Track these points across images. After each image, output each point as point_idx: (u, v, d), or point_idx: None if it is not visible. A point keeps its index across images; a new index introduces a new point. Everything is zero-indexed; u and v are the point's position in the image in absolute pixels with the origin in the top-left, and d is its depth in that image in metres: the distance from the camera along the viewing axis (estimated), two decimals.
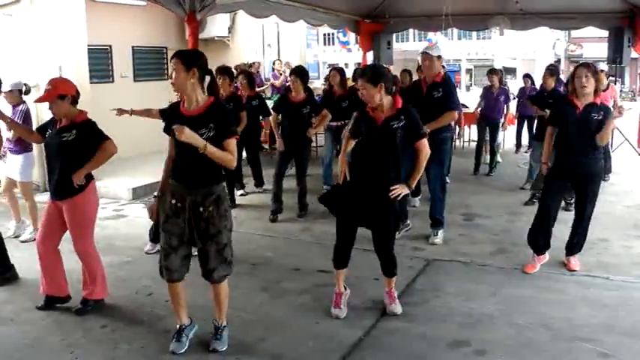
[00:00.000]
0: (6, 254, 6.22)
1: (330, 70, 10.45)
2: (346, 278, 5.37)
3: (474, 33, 30.83)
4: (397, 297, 5.34)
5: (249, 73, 9.90)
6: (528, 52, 36.15)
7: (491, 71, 12.08)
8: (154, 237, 6.72)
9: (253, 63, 12.37)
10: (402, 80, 11.98)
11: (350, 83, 10.66)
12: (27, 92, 7.61)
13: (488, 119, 11.56)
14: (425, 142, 5.02)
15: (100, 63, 12.64)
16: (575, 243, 6.30)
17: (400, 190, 4.90)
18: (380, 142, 4.96)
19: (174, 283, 4.57)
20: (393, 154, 4.95)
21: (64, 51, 10.30)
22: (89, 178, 5.33)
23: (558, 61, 39.40)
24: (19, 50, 10.48)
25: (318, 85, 18.96)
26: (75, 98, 5.27)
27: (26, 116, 7.31)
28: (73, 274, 5.52)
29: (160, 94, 14.21)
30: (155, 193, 4.65)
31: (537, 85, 12.67)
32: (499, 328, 4.93)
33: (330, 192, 5.41)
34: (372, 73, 4.91)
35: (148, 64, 14.51)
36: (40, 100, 5.38)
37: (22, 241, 7.44)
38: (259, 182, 10.16)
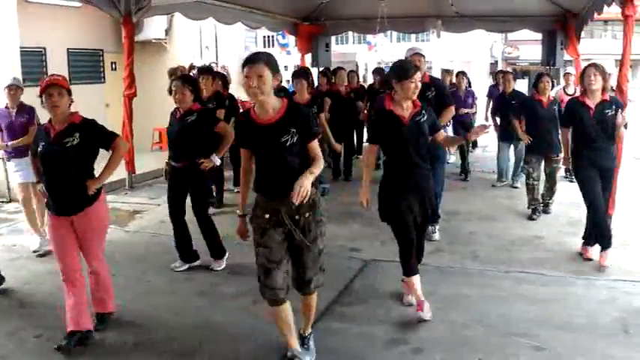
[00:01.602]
0: None
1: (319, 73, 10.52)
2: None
3: (413, 35, 31.06)
4: (336, 298, 5.36)
5: (223, 75, 9.83)
6: (466, 55, 36.66)
7: (462, 73, 12.03)
8: (183, 255, 6.49)
9: (178, 67, 12.26)
10: (350, 82, 12.03)
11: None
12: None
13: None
14: (444, 133, 5.37)
15: (34, 65, 12.38)
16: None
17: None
18: (411, 139, 5.04)
19: (280, 306, 4.18)
20: (425, 147, 5.11)
21: None
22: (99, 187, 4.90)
23: (495, 62, 40.10)
24: None
25: None
26: (71, 102, 4.77)
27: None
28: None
29: (96, 96, 14.11)
30: (238, 212, 4.33)
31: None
32: (436, 326, 4.97)
33: (384, 206, 5.21)
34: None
35: (84, 66, 14.31)
36: (55, 81, 4.62)
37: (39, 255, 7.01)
38: (239, 181, 9.97)
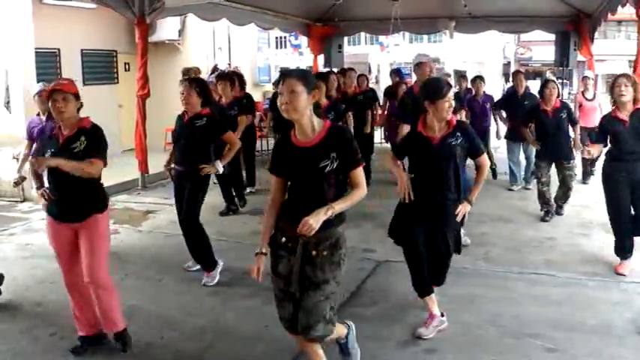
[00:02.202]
0: None
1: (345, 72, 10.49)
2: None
3: (425, 36, 31.06)
4: (348, 299, 5.37)
5: (240, 75, 9.87)
6: (478, 56, 36.56)
7: (479, 78, 11.65)
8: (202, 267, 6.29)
9: (192, 67, 12.28)
10: (360, 84, 12.06)
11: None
12: None
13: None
14: (485, 157, 4.85)
15: (48, 67, 12.46)
16: None
17: (464, 210, 4.71)
18: (439, 162, 4.67)
19: (297, 336, 3.90)
20: (453, 174, 4.69)
21: (10, 54, 10.11)
22: (107, 196, 4.76)
23: (508, 64, 40.00)
24: None
25: (269, 88, 18.95)
26: (81, 106, 4.57)
27: None
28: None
29: (110, 97, 14.18)
30: (256, 250, 3.85)
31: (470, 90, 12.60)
32: (448, 326, 4.96)
33: (394, 224, 5.05)
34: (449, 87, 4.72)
35: (98, 67, 14.39)
36: (61, 86, 4.43)
37: None
38: (251, 182, 10.10)
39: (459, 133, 4.67)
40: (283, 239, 3.74)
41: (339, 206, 3.54)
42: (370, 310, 5.36)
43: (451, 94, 4.66)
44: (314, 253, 3.64)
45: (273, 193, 3.86)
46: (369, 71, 30.22)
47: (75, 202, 4.49)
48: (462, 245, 5.03)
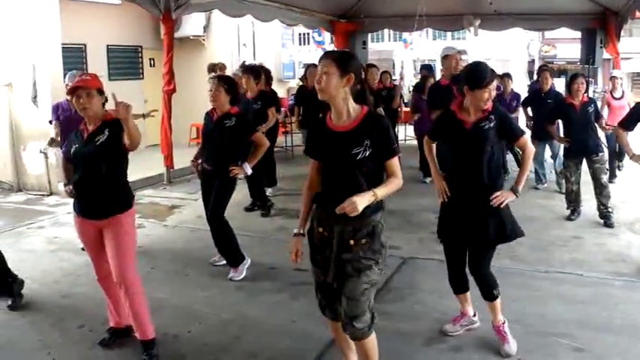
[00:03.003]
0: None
1: (368, 68, 10.45)
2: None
3: (449, 33, 30.90)
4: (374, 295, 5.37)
5: (266, 69, 9.88)
6: (502, 53, 36.33)
7: (506, 75, 11.56)
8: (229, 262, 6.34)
9: (218, 63, 12.31)
10: (383, 81, 12.06)
11: None
12: None
13: None
14: (526, 139, 4.57)
15: (75, 62, 12.53)
16: None
17: (503, 197, 4.37)
18: (471, 146, 4.45)
19: (334, 321, 3.93)
20: (489, 160, 4.44)
21: (38, 49, 10.22)
22: (132, 193, 4.70)
23: (532, 61, 39.68)
24: None
25: (293, 84, 18.98)
26: (106, 100, 4.49)
27: None
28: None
29: (135, 93, 14.26)
30: (294, 230, 3.86)
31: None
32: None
33: (440, 224, 4.79)
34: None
35: (123, 63, 14.49)
36: (71, 90, 4.39)
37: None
38: (272, 182, 9.95)
39: (492, 117, 4.43)
40: (320, 229, 3.69)
41: (380, 192, 3.46)
42: (396, 307, 5.35)
43: (494, 84, 4.41)
44: (351, 242, 3.56)
45: (310, 174, 3.85)
46: (393, 68, 30.11)
47: (99, 199, 4.45)
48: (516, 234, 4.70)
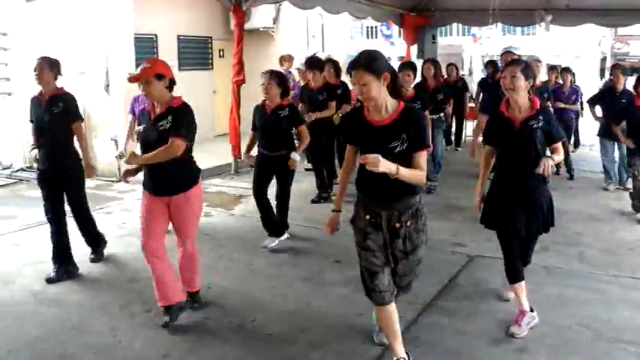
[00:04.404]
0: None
1: (424, 63, 10.38)
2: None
3: (518, 29, 30.38)
4: (439, 292, 5.36)
5: (335, 62, 9.91)
6: (573, 49, 35.55)
7: (565, 70, 11.55)
8: (270, 230, 6.90)
9: (284, 56, 12.33)
10: (449, 74, 11.93)
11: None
12: None
13: None
14: (560, 146, 4.71)
15: (146, 52, 12.76)
16: None
17: (545, 164, 4.43)
18: (518, 145, 4.65)
19: (385, 306, 4.07)
20: (535, 158, 4.56)
21: (111, 39, 10.44)
22: (199, 171, 5.07)
23: (604, 59, 38.74)
24: (66, 38, 10.64)
25: None
26: (171, 82, 4.79)
27: None
28: None
29: (204, 83, 14.47)
30: (332, 207, 4.29)
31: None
32: (540, 326, 4.86)
33: (485, 210, 5.01)
34: (526, 66, 4.68)
35: (193, 53, 14.68)
36: (134, 78, 4.71)
37: None
38: (332, 175, 9.71)
39: (541, 117, 4.61)
40: (367, 216, 3.95)
41: (402, 171, 3.59)
42: (461, 305, 5.30)
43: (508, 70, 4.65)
44: (397, 225, 3.87)
45: (347, 157, 4.16)
46: (462, 63, 29.78)
47: (166, 177, 4.79)
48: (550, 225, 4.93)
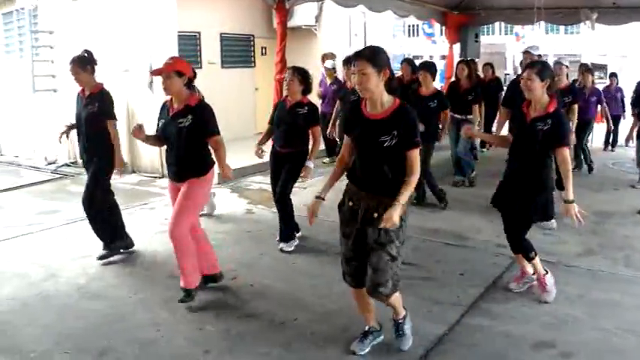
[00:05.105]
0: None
1: (458, 63, 10.33)
2: (430, 272, 5.36)
3: (562, 27, 30.03)
4: (482, 294, 5.35)
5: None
6: (620, 49, 35.03)
7: (587, 69, 11.54)
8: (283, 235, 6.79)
9: (327, 54, 12.27)
10: (485, 74, 11.83)
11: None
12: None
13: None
14: (565, 151, 4.94)
15: (189, 49, 12.88)
16: None
17: (571, 215, 4.91)
18: (524, 139, 5.08)
19: (357, 289, 4.31)
20: (533, 155, 5.04)
21: (155, 37, 10.52)
22: (211, 164, 5.31)
23: None
24: (110, 36, 10.78)
25: None
26: (191, 80, 5.16)
27: None
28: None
29: (247, 80, 14.53)
30: (316, 194, 4.26)
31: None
32: (585, 331, 4.79)
33: (495, 192, 5.47)
34: (542, 67, 5.01)
35: (236, 51, 14.74)
36: (156, 72, 5.17)
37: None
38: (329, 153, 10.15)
39: (549, 120, 4.91)
40: (350, 203, 4.09)
41: (404, 199, 3.82)
42: (504, 307, 5.23)
43: (525, 74, 5.07)
44: (375, 215, 3.91)
45: (343, 150, 4.26)
46: (505, 61, 29.52)
47: (179, 166, 5.19)
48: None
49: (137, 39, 10.65)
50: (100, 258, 6.34)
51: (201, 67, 13.33)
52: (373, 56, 3.84)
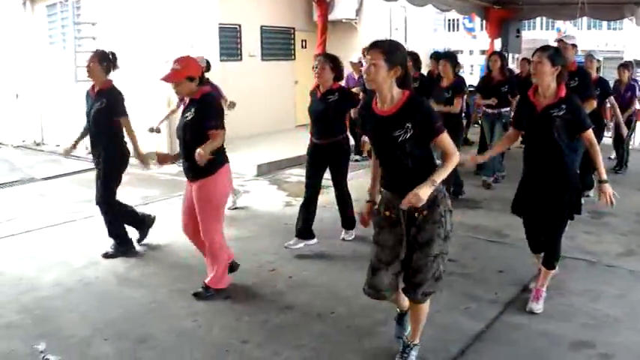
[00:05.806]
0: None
1: (491, 55, 10.27)
2: (468, 268, 5.33)
3: (604, 23, 29.49)
4: (520, 292, 5.31)
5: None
6: None
7: (623, 65, 11.45)
8: (300, 232, 6.58)
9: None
10: (522, 69, 11.74)
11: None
12: (208, 69, 7.62)
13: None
14: (591, 133, 4.73)
15: (230, 42, 12.98)
16: None
17: (606, 196, 4.68)
18: (538, 130, 4.81)
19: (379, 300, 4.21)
20: (552, 145, 4.75)
21: (196, 29, 10.61)
22: (221, 161, 5.17)
23: None
24: (152, 28, 10.88)
25: None
26: (201, 79, 5.12)
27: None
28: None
29: (286, 73, 14.57)
30: (366, 198, 4.22)
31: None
32: (625, 332, 4.73)
33: (516, 198, 5.28)
34: (554, 52, 4.76)
35: (276, 44, 14.80)
36: (166, 79, 4.96)
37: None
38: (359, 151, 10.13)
39: (564, 106, 4.68)
40: (387, 212, 3.94)
41: (438, 177, 3.66)
42: (543, 306, 5.16)
43: (548, 58, 4.67)
44: (415, 214, 3.79)
45: (373, 150, 4.14)
46: None
47: (190, 164, 5.05)
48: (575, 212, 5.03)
49: (178, 31, 10.74)
50: (138, 241, 6.62)
51: (241, 60, 13.41)
52: (389, 50, 3.71)
